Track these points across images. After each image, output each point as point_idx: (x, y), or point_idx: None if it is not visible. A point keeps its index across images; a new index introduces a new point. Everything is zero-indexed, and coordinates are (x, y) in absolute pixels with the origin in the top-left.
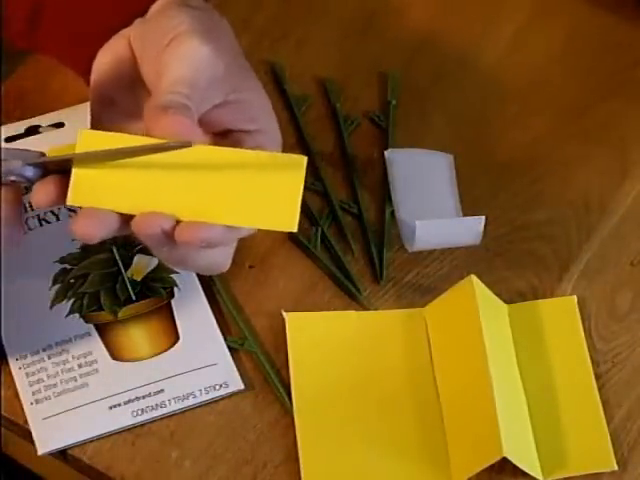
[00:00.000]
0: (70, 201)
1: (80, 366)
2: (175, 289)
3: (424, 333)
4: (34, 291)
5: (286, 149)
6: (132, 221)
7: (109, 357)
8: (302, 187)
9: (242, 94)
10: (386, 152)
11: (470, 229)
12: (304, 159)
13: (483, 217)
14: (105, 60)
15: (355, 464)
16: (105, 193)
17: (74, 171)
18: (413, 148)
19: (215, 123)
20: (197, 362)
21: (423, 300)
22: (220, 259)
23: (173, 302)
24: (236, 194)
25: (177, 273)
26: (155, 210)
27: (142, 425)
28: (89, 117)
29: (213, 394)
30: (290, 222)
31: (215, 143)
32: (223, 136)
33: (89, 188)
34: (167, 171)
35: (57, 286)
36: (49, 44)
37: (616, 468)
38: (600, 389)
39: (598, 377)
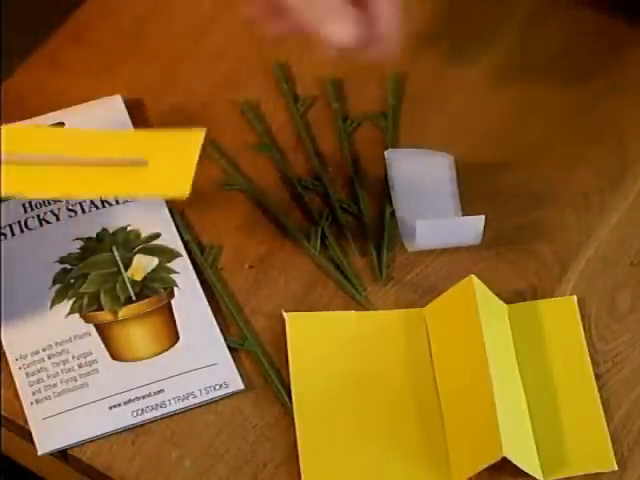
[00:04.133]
0: (3, 192)
1: (80, 366)
2: (175, 289)
3: (424, 333)
4: (34, 291)
5: (286, 149)
6: None
7: (109, 357)
8: (197, 158)
9: None
10: (386, 152)
11: (470, 229)
12: (202, 133)
13: (483, 217)
14: None
15: (355, 464)
16: (31, 184)
17: (4, 167)
18: (413, 148)
19: None
20: (197, 362)
21: (423, 300)
22: None
23: (173, 302)
24: (138, 170)
25: (177, 273)
26: (71, 192)
27: (142, 425)
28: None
29: (213, 394)
30: (183, 189)
31: None
32: None
33: (17, 180)
34: (81, 157)
35: (57, 286)
36: None
37: (616, 468)
38: (600, 389)
39: (598, 377)
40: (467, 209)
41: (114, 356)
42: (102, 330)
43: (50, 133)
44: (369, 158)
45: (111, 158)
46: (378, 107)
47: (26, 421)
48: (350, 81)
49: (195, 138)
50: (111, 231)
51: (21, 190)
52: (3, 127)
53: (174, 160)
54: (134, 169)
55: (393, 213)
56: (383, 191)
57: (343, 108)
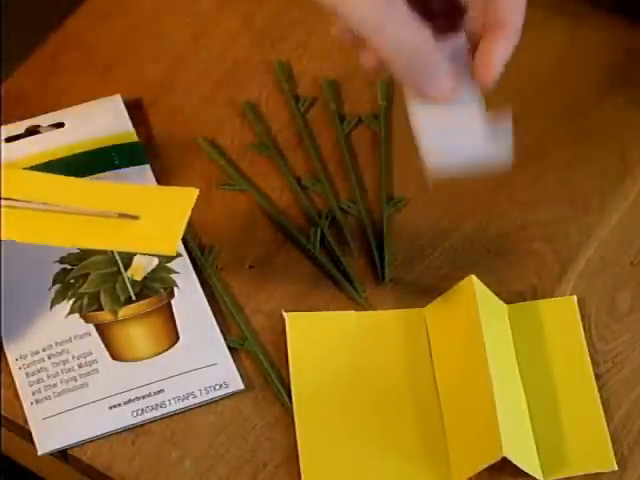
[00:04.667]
0: (3, 236)
1: (80, 366)
2: (175, 289)
3: (424, 333)
4: (34, 291)
5: (286, 149)
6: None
7: (109, 357)
8: (188, 216)
9: None
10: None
11: (497, 140)
12: (195, 192)
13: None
14: None
15: (355, 464)
16: (31, 230)
17: (4, 211)
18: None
19: None
20: (197, 362)
21: (423, 300)
22: None
23: (173, 302)
24: (129, 223)
25: (177, 273)
26: (59, 241)
27: (142, 425)
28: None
29: (213, 394)
30: (171, 247)
31: None
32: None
33: (17, 225)
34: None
35: (57, 286)
36: None
37: (616, 468)
38: (600, 389)
39: (598, 377)
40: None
41: (114, 356)
42: (102, 330)
43: (45, 179)
44: (369, 158)
45: (103, 210)
46: (378, 107)
47: (26, 421)
48: (351, 81)
49: (188, 196)
50: None
51: (21, 237)
52: (3, 169)
53: (165, 217)
54: (125, 222)
55: (393, 214)
56: (383, 191)
57: (343, 108)
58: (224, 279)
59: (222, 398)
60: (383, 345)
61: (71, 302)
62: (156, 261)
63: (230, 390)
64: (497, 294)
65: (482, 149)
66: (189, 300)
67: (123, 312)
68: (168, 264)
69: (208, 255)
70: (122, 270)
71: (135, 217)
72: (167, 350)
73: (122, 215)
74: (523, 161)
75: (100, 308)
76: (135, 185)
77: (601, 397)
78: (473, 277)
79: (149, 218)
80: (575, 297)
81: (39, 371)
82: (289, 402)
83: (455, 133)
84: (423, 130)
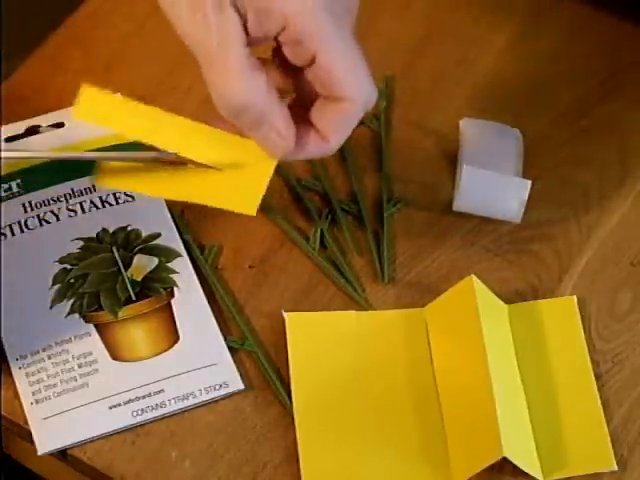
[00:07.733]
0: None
1: (80, 366)
2: (175, 289)
3: (424, 333)
4: (34, 291)
5: None
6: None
7: (109, 357)
8: (270, 176)
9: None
10: (461, 121)
11: (516, 190)
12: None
13: (529, 182)
14: None
15: (355, 464)
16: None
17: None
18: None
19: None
20: (197, 362)
21: (423, 300)
22: None
23: (173, 302)
24: (207, 176)
25: (177, 273)
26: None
27: (142, 425)
28: None
29: (213, 394)
30: (251, 207)
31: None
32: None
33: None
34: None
35: (57, 286)
36: None
37: (616, 468)
38: (600, 389)
39: (598, 377)
40: None
41: (114, 356)
42: (102, 330)
43: (134, 109)
44: (369, 158)
45: (188, 158)
46: (378, 107)
47: (26, 421)
48: None
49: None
50: (111, 231)
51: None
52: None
53: (247, 172)
54: (205, 173)
55: (393, 214)
56: (383, 191)
57: None
58: (224, 279)
59: (222, 398)
60: (383, 345)
61: (71, 302)
62: (156, 261)
63: (230, 390)
64: (497, 294)
65: (502, 211)
66: (189, 300)
67: (123, 312)
68: (168, 264)
69: (208, 255)
70: (122, 270)
71: (217, 169)
72: (167, 350)
73: (200, 165)
74: (523, 161)
75: (100, 308)
76: (215, 130)
77: (601, 397)
78: (473, 277)
79: (231, 171)
80: (575, 297)
81: (39, 371)
82: (289, 402)
83: (489, 195)
84: (464, 183)
